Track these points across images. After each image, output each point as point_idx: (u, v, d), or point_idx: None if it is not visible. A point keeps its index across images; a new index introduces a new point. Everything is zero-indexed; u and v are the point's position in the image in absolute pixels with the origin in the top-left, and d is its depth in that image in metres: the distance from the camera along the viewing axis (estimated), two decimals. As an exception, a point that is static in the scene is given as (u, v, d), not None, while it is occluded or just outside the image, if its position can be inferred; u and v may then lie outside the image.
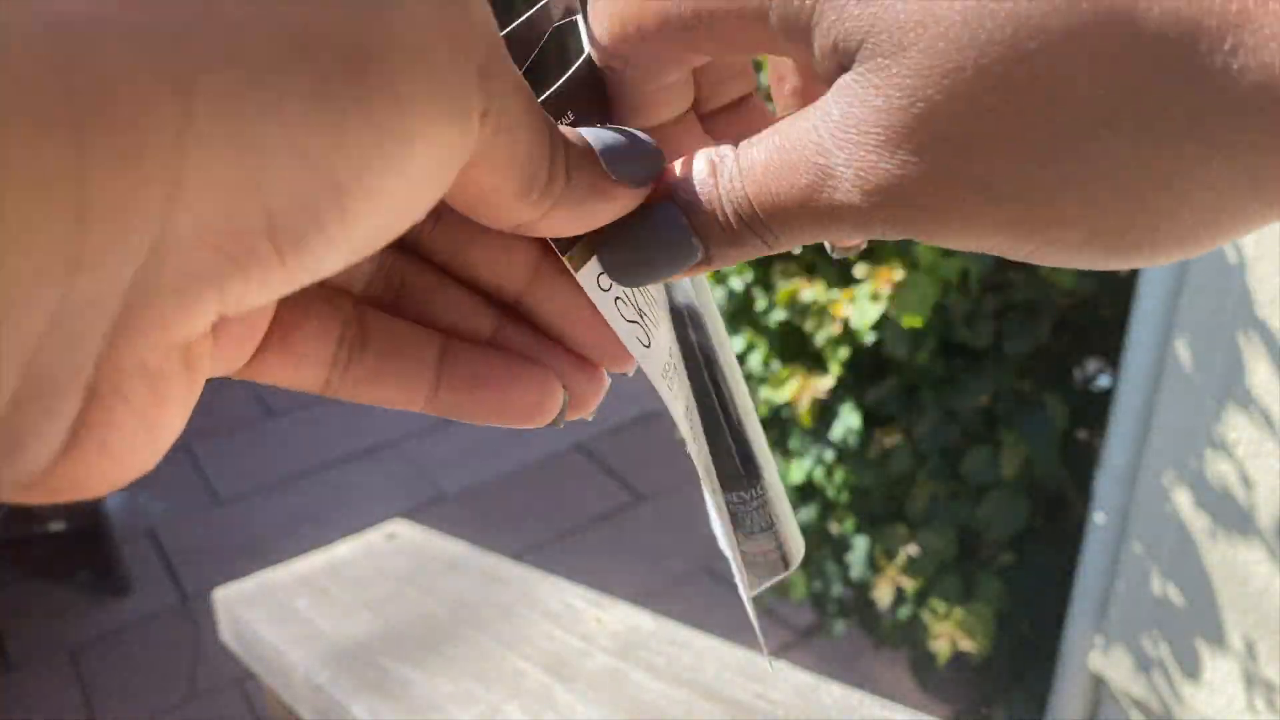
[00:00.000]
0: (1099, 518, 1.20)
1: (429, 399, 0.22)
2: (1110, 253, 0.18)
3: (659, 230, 0.21)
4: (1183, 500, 1.09)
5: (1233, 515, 1.03)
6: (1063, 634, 1.28)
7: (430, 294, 0.23)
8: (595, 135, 0.20)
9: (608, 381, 0.24)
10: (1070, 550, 1.27)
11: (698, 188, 0.21)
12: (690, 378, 0.25)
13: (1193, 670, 1.10)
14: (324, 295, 0.21)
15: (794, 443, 1.39)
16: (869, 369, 1.29)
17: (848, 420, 1.29)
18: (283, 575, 0.79)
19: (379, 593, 0.74)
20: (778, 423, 1.42)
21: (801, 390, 1.26)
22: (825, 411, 1.31)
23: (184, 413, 0.16)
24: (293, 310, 0.20)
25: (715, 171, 0.20)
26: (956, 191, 0.18)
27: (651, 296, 0.24)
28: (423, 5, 0.15)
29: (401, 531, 0.86)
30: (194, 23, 0.13)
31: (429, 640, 0.66)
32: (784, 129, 0.20)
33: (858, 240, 0.20)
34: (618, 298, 0.22)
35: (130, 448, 0.15)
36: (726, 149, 0.21)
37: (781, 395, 1.28)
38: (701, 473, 0.25)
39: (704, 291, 0.26)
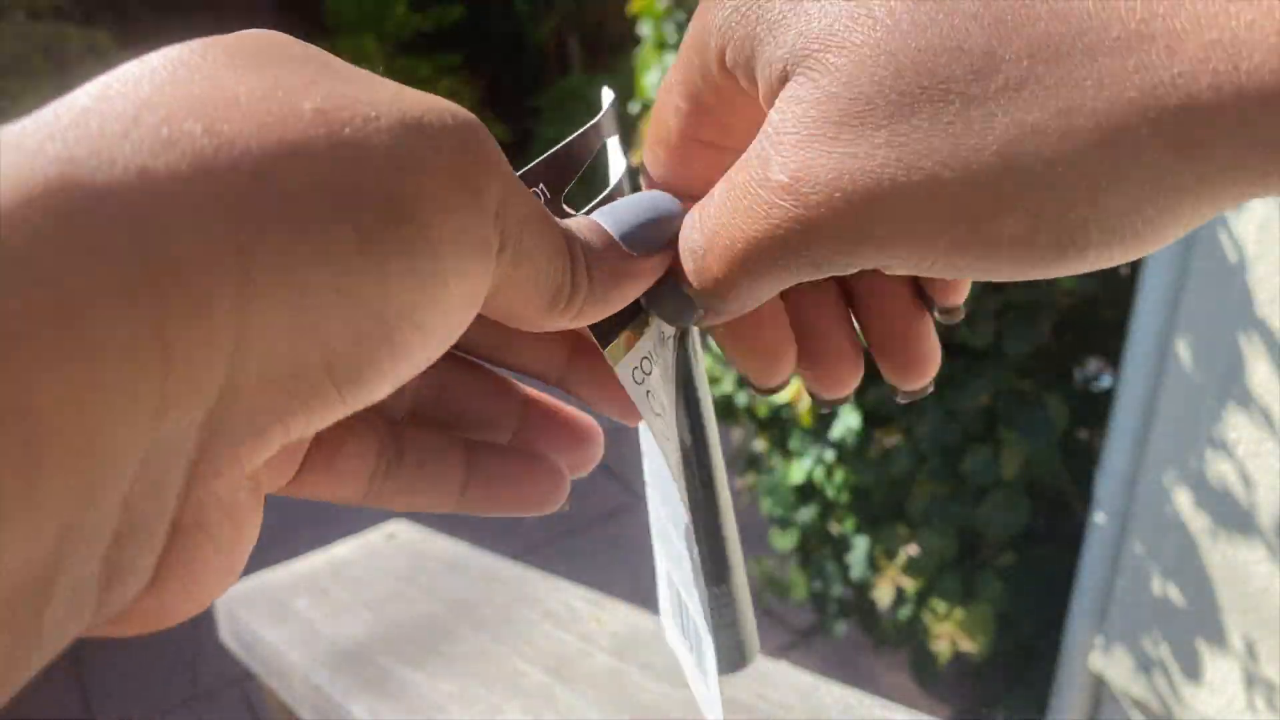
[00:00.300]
0: (1099, 518, 1.20)
1: (457, 501, 0.24)
2: (1054, 247, 0.17)
3: (664, 294, 0.22)
4: (1183, 500, 1.09)
5: (1233, 515, 1.03)
6: (1063, 634, 1.28)
7: (468, 395, 0.25)
8: (611, 216, 0.22)
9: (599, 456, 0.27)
10: (1071, 550, 1.27)
11: (682, 247, 0.22)
12: (686, 470, 0.26)
13: (1193, 670, 1.10)
14: (363, 415, 0.22)
15: (794, 443, 1.39)
16: (869, 368, 1.29)
17: (848, 420, 1.29)
18: (282, 575, 0.79)
19: (379, 593, 0.74)
20: (778, 423, 1.42)
21: (801, 391, 1.26)
22: (826, 412, 1.31)
23: (254, 536, 0.18)
24: (335, 431, 0.22)
25: (689, 229, 0.22)
26: (899, 177, 0.17)
27: (670, 388, 0.25)
28: (444, 159, 0.17)
29: (401, 531, 0.86)
30: (247, 192, 0.14)
31: (429, 640, 0.66)
32: (730, 170, 0.20)
33: (817, 275, 0.20)
34: (649, 391, 0.24)
35: (212, 576, 0.16)
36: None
37: (781, 395, 1.28)
38: (679, 566, 0.27)
39: (704, 383, 0.27)
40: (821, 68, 0.18)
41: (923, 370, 0.26)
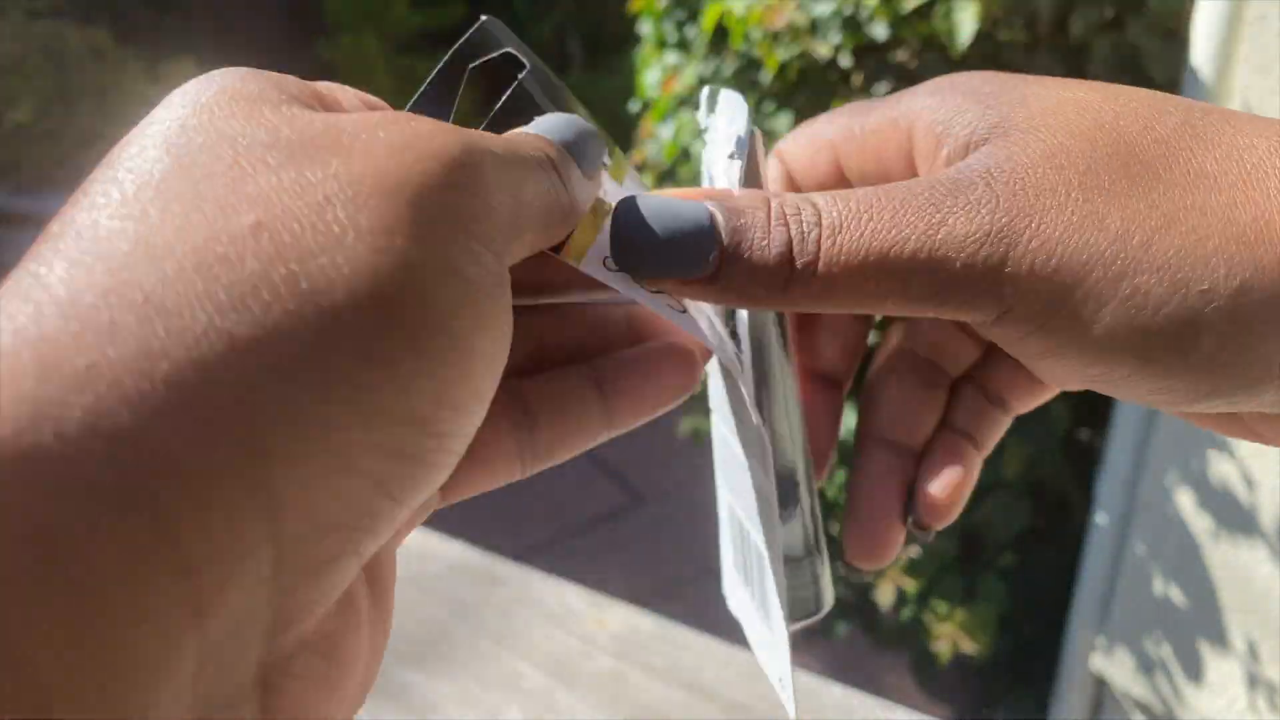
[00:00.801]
0: (1101, 518, 1.20)
1: (606, 426, 0.23)
2: (1232, 371, 0.18)
3: (686, 232, 0.21)
4: (1185, 501, 1.09)
5: (1235, 516, 1.02)
6: (1064, 635, 1.28)
7: (570, 332, 0.25)
8: (554, 132, 0.21)
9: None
10: (1072, 551, 1.26)
11: (749, 213, 0.21)
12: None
13: (1195, 671, 1.10)
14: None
15: (795, 443, 1.39)
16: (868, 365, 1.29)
17: (848, 420, 1.29)
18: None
19: (379, 593, 0.74)
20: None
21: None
22: (826, 412, 1.31)
23: (372, 643, 0.17)
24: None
25: (784, 212, 0.21)
26: (1076, 236, 0.18)
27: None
28: (439, 236, 0.15)
29: (401, 532, 0.85)
30: (251, 397, 0.13)
31: (429, 641, 0.66)
32: (882, 190, 0.20)
33: (926, 312, 0.20)
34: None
35: (326, 706, 0.16)
36: (798, 197, 0.21)
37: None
38: (743, 498, 0.26)
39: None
40: (1024, 133, 0.20)
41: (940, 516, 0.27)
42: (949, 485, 0.26)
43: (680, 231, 0.20)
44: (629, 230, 0.20)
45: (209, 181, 0.14)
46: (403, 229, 0.14)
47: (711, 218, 0.20)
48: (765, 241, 0.20)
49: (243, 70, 0.17)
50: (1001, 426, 0.28)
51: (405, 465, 0.15)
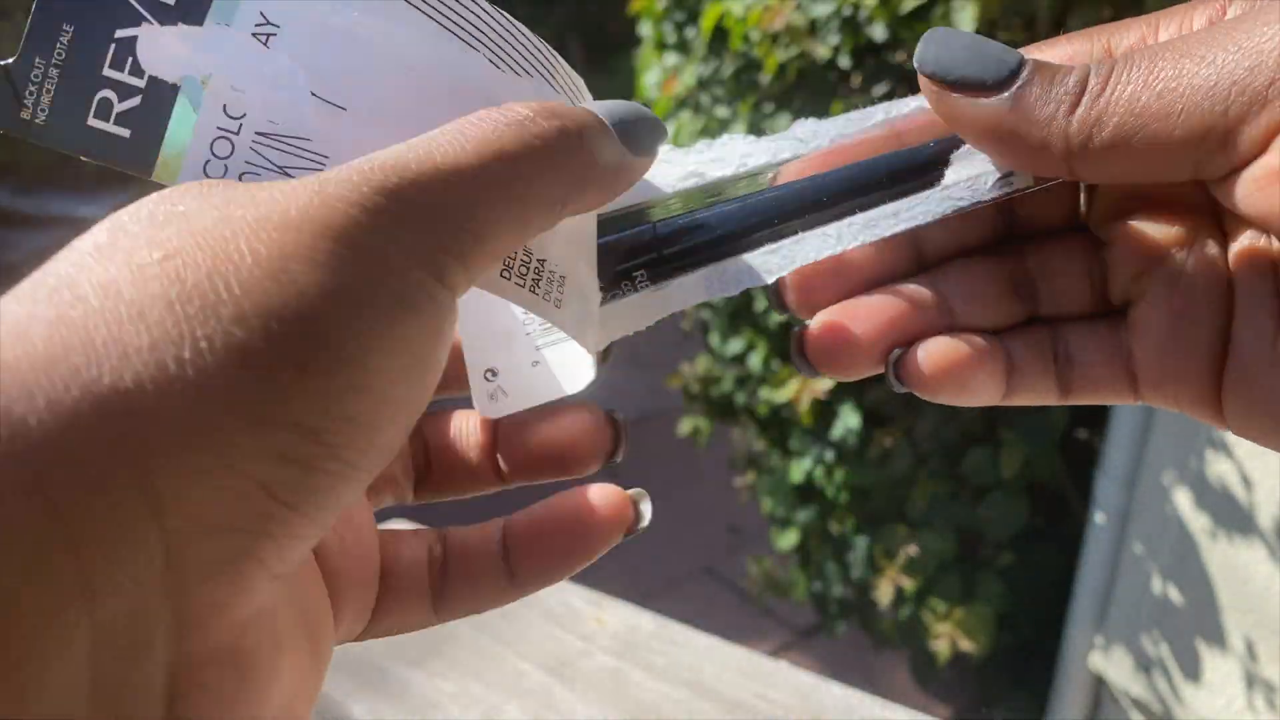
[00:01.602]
0: (1099, 518, 1.20)
1: (512, 588, 0.25)
2: None
3: (994, 48, 0.22)
4: (1183, 500, 1.09)
5: (1233, 515, 1.03)
6: (1063, 634, 1.28)
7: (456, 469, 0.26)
8: (605, 109, 0.21)
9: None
10: (1070, 550, 1.27)
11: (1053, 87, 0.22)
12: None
13: (1193, 670, 1.10)
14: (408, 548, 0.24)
15: (794, 443, 1.39)
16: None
17: (848, 420, 1.29)
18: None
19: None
20: (778, 422, 1.42)
21: (801, 390, 1.26)
22: (825, 411, 1.31)
23: (300, 674, 0.18)
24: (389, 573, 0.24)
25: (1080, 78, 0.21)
26: None
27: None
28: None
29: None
30: (136, 397, 0.14)
31: (429, 640, 0.66)
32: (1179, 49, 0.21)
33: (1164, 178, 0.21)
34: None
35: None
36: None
37: (781, 395, 1.28)
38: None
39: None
40: None
41: None
42: (947, 353, 0.24)
43: (989, 46, 0.22)
44: (941, 35, 0.22)
45: (139, 232, 0.16)
46: (300, 257, 0.16)
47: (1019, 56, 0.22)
48: (1064, 74, 0.22)
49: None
50: (1042, 387, 0.25)
51: (294, 471, 0.15)
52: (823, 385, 1.25)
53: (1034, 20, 1.03)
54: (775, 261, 0.25)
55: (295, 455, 0.15)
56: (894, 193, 0.25)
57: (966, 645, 1.25)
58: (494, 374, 0.25)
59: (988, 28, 1.03)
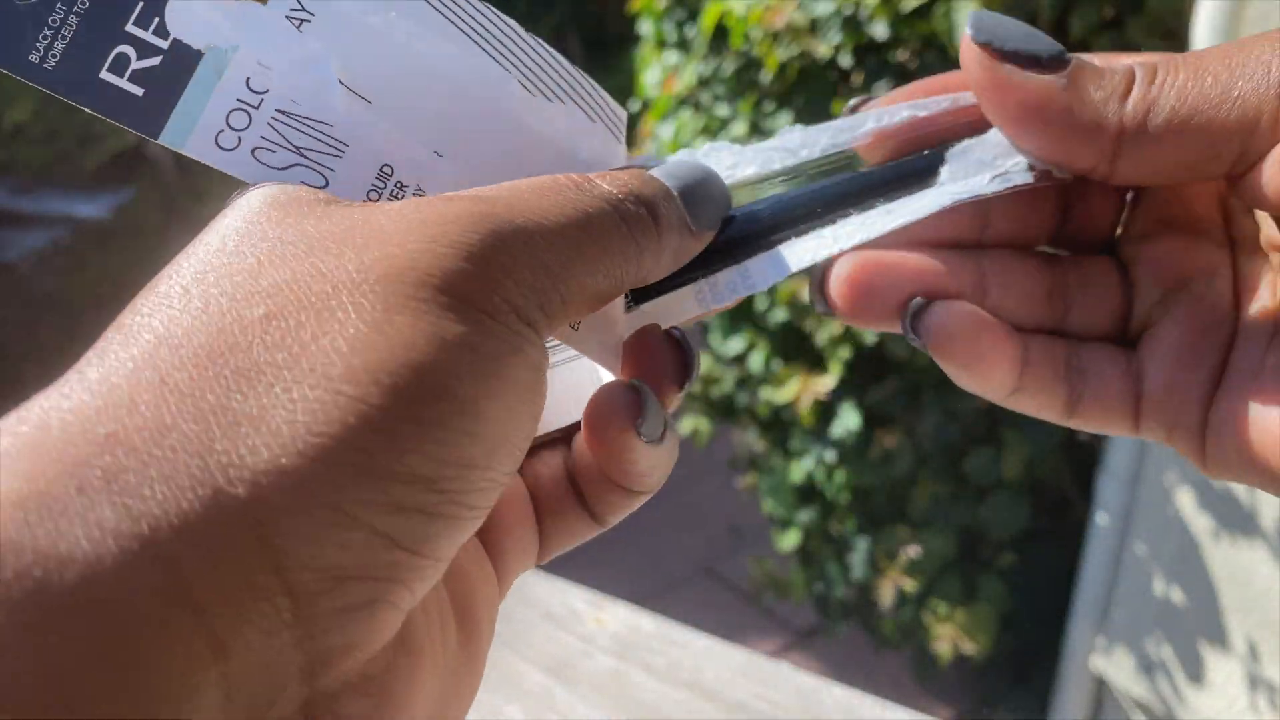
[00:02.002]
0: (1101, 518, 1.20)
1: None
2: None
3: (1042, 37, 0.22)
4: (1185, 501, 1.08)
5: (1235, 516, 1.02)
6: (1065, 635, 1.28)
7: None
8: (675, 180, 0.22)
9: None
10: (1072, 551, 1.26)
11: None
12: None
13: (1195, 672, 1.10)
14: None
15: (795, 443, 1.39)
16: (870, 369, 1.29)
17: (848, 420, 1.29)
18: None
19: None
20: (778, 423, 1.42)
21: (802, 390, 1.26)
22: (826, 412, 1.31)
23: (452, 688, 0.19)
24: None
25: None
26: None
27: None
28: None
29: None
30: (249, 461, 0.14)
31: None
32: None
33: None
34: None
35: None
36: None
37: (782, 395, 1.28)
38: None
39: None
40: None
41: None
42: (968, 317, 0.24)
43: (1039, 33, 0.22)
44: (993, 15, 0.22)
45: (231, 279, 0.16)
46: (405, 308, 0.16)
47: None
48: (1111, 69, 0.22)
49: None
50: (1050, 394, 0.25)
51: (414, 519, 0.15)
52: (824, 385, 1.25)
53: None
54: (768, 267, 0.24)
55: (414, 505, 0.15)
56: (889, 196, 0.25)
57: (968, 646, 1.24)
58: None
59: (989, 27, 1.03)
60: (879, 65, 1.14)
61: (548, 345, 0.25)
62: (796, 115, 1.22)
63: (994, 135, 0.24)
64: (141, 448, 0.14)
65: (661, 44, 1.54)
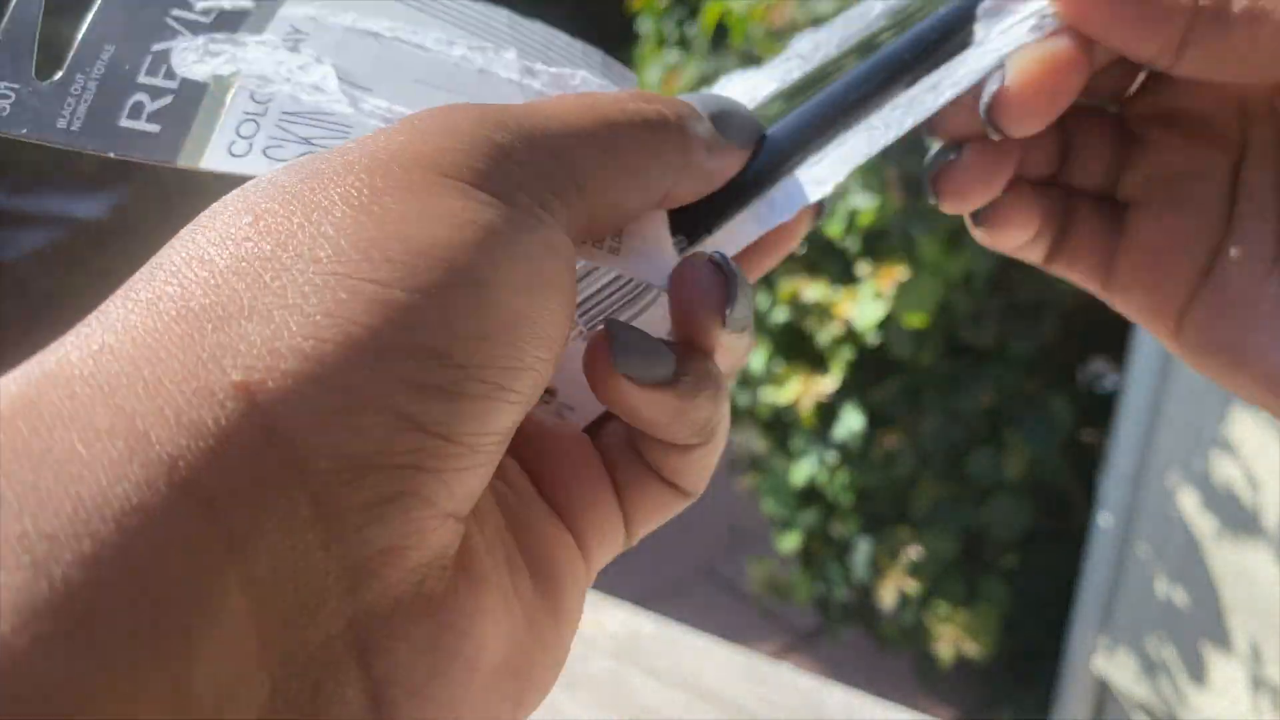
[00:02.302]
0: (1104, 519, 1.19)
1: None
2: None
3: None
4: (1188, 502, 1.08)
5: (1238, 517, 1.02)
6: (1067, 637, 1.28)
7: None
8: (702, 103, 0.22)
9: None
10: (1075, 552, 1.26)
11: None
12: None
13: (1198, 673, 1.09)
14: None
15: (796, 444, 1.39)
16: (872, 369, 1.28)
17: (850, 421, 1.29)
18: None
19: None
20: (779, 424, 1.42)
21: (804, 391, 1.26)
22: (828, 412, 1.30)
23: (528, 635, 0.18)
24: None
25: None
26: None
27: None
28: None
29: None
30: (247, 338, 0.14)
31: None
32: None
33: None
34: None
35: (453, 680, 0.16)
36: None
37: (784, 396, 1.28)
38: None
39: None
40: None
41: None
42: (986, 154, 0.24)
43: None
44: None
45: (232, 204, 0.16)
46: (391, 189, 0.16)
47: None
48: None
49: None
50: (1031, 229, 0.25)
51: (435, 398, 0.15)
52: (826, 386, 1.25)
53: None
54: (823, 172, 0.23)
55: (431, 381, 0.15)
56: (929, 64, 0.23)
57: (970, 648, 1.24)
58: (551, 394, 0.24)
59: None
60: (880, 64, 1.14)
61: (586, 325, 0.24)
62: (798, 114, 1.22)
63: None
64: (130, 355, 0.14)
65: (661, 42, 1.54)
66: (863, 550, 1.37)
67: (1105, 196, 0.26)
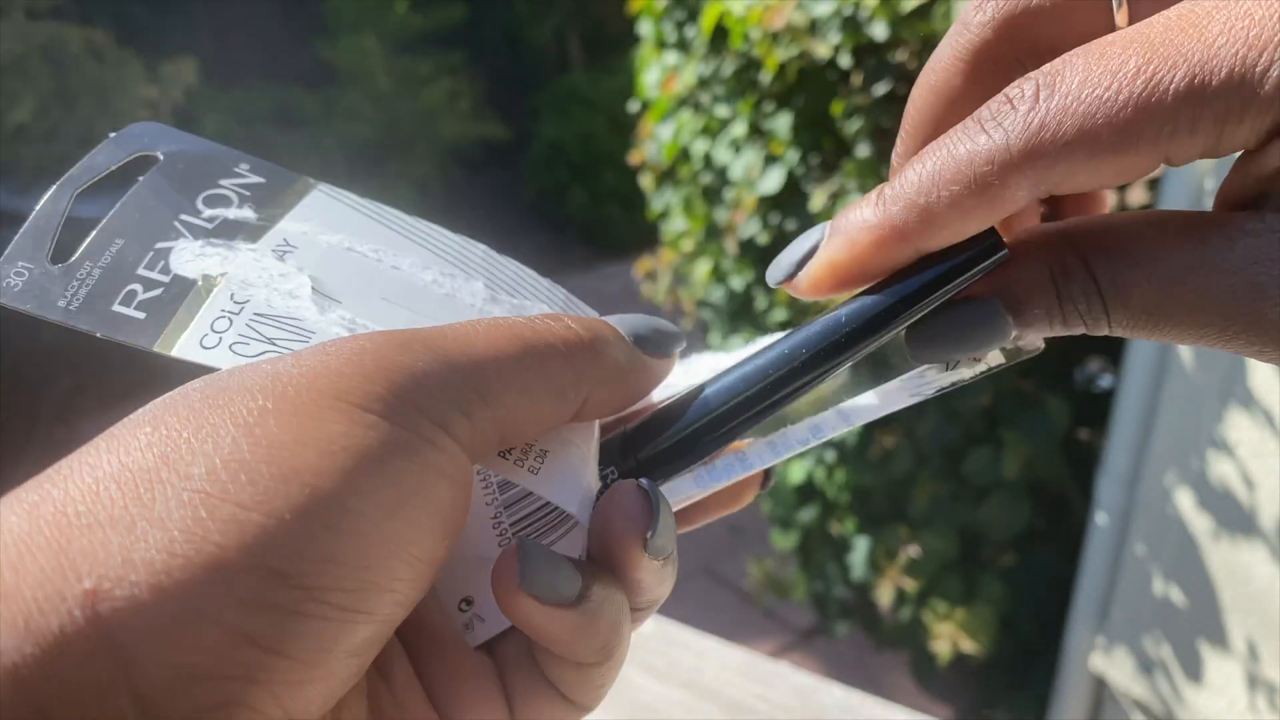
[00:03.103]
0: (1101, 518, 1.20)
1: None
2: None
3: (976, 318, 0.21)
4: (1185, 501, 1.08)
5: (1235, 516, 1.02)
6: (1064, 635, 1.28)
7: None
8: (622, 323, 0.23)
9: None
10: (1072, 551, 1.26)
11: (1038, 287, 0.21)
12: None
13: (1195, 672, 1.10)
14: None
15: (795, 443, 1.39)
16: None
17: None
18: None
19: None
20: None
21: (802, 390, 1.26)
22: (826, 412, 1.31)
23: None
24: None
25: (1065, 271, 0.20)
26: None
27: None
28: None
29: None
30: (100, 553, 0.15)
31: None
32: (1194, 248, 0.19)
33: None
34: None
35: None
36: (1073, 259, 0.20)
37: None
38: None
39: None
40: None
41: None
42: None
43: None
44: None
45: (143, 412, 0.17)
46: (282, 411, 0.16)
47: None
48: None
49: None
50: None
51: (273, 617, 0.15)
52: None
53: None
54: (768, 454, 0.25)
55: (271, 600, 0.15)
56: (880, 334, 0.23)
57: (967, 646, 1.24)
58: (469, 603, 0.24)
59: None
60: (878, 65, 1.14)
61: (513, 529, 0.24)
62: (796, 115, 1.22)
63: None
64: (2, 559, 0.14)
65: (661, 44, 1.54)
66: (861, 549, 1.37)
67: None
